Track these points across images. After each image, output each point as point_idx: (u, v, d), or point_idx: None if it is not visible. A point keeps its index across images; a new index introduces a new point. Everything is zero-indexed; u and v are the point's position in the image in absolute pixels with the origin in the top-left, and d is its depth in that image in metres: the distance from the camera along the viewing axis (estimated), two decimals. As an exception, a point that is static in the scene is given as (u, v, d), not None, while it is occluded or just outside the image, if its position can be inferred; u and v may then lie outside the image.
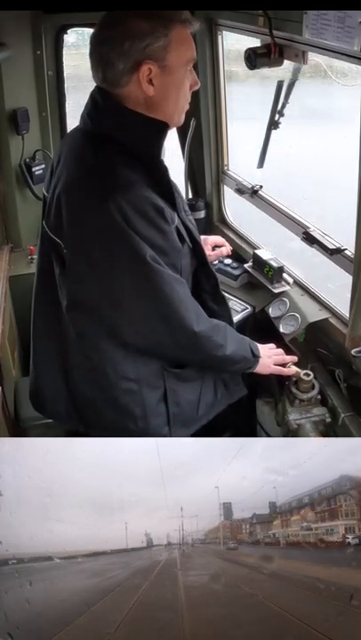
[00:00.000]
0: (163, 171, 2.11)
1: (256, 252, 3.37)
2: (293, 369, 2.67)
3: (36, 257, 2.43)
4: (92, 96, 2.12)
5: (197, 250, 2.34)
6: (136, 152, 2.05)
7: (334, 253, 2.79)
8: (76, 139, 2.20)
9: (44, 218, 2.27)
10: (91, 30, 2.07)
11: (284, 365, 2.62)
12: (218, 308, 2.44)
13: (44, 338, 2.44)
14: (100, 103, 2.09)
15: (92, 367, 2.29)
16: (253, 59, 2.73)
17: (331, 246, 2.81)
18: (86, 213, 2.04)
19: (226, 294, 2.60)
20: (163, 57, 1.99)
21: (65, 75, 3.78)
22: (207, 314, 2.31)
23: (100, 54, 2.02)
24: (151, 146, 2.08)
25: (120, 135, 2.06)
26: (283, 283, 3.22)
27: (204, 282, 2.41)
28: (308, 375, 2.73)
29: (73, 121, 3.50)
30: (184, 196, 3.54)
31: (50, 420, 2.88)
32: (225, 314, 2.48)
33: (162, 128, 2.09)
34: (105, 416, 2.36)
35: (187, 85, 2.10)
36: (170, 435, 2.40)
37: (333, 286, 3.09)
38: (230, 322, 2.49)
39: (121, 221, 1.98)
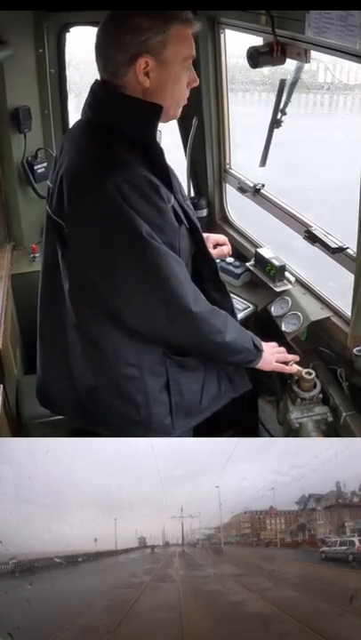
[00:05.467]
0: (158, 152, 2.16)
1: (258, 250, 3.37)
2: (295, 367, 2.67)
3: (42, 246, 2.44)
4: (93, 88, 2.19)
5: (195, 233, 2.35)
6: (133, 136, 2.11)
7: (336, 252, 2.78)
8: (77, 129, 2.28)
9: (48, 204, 2.31)
10: (93, 29, 2.14)
11: (286, 364, 2.62)
12: (219, 297, 2.44)
13: (50, 330, 2.45)
14: (101, 94, 2.17)
15: (95, 354, 2.31)
16: (256, 57, 2.72)
17: (333, 245, 2.80)
18: (85, 191, 2.09)
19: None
20: (160, 51, 2.08)
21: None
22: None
23: (102, 46, 2.12)
24: (146, 128, 2.14)
25: (118, 121, 2.13)
26: (285, 281, 3.22)
27: (205, 268, 2.42)
28: (309, 374, 2.73)
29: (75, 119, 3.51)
30: (186, 194, 3.54)
31: (52, 418, 2.89)
32: (227, 304, 2.47)
33: (156, 110, 2.14)
34: (108, 405, 2.36)
35: (183, 81, 2.17)
36: (172, 425, 2.39)
37: (335, 285, 3.08)
38: (232, 312, 2.49)
39: (118, 198, 2.03)
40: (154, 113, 2.13)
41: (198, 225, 2.37)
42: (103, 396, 2.36)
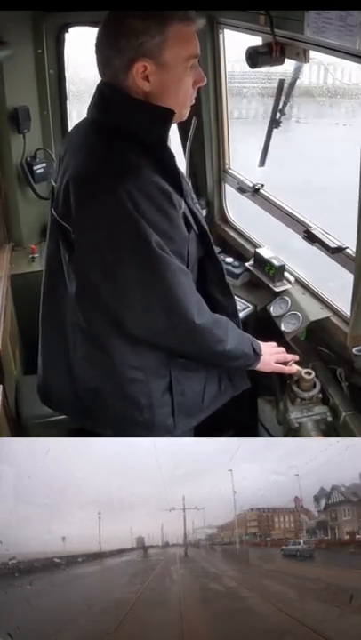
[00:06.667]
0: (169, 157, 2.13)
1: (257, 250, 3.37)
2: (295, 367, 2.66)
3: (45, 245, 2.43)
4: (99, 88, 2.14)
5: (204, 237, 2.33)
6: (143, 139, 2.07)
7: (335, 252, 2.78)
8: (83, 129, 2.24)
9: (53, 206, 2.28)
10: (92, 29, 2.10)
11: (285, 364, 2.62)
12: (224, 300, 2.44)
13: (51, 328, 2.44)
14: (107, 95, 2.12)
15: (99, 356, 2.29)
16: (255, 57, 2.71)
17: (332, 245, 2.80)
18: (94, 194, 2.04)
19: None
20: (159, 54, 2.01)
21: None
22: (213, 306, 2.31)
23: (100, 51, 2.07)
24: (157, 132, 2.10)
25: (127, 124, 2.08)
26: (284, 281, 3.22)
27: (211, 271, 2.40)
28: (309, 374, 2.72)
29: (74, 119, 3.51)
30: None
31: (51, 418, 2.88)
32: (230, 306, 2.47)
33: (167, 115, 2.09)
34: (111, 407, 2.35)
35: (187, 82, 2.10)
36: (174, 425, 2.39)
37: (335, 285, 3.08)
38: (235, 314, 2.49)
39: (128, 205, 1.99)
40: (166, 117, 2.09)
41: (207, 228, 2.35)
42: (106, 398, 2.35)
